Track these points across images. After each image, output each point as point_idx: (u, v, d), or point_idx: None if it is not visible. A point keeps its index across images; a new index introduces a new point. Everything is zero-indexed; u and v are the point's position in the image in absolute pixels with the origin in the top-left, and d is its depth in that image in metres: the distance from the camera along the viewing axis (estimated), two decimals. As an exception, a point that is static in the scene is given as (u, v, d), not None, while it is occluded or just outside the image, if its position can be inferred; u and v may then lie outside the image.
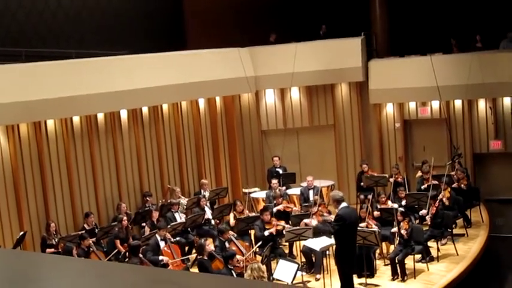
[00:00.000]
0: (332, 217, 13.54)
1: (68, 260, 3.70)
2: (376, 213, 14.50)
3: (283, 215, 15.22)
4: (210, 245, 12.90)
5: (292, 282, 11.19)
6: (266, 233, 13.84)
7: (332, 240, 12.40)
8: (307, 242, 12.91)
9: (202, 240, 12.71)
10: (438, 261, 13.91)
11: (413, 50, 19.22)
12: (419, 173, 17.02)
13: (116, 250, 13.45)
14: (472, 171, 18.02)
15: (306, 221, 13.98)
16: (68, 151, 15.13)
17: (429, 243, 14.14)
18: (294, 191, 17.18)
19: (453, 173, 16.49)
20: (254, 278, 9.61)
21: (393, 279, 13.05)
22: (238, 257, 12.39)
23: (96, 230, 14.46)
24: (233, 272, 11.72)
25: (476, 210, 16.60)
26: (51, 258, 3.64)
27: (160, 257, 13.02)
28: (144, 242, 13.44)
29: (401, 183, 16.50)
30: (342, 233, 10.83)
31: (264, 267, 9.92)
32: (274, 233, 13.83)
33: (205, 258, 12.20)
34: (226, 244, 13.16)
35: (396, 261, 13.03)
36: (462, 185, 16.03)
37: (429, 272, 13.37)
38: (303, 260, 13.66)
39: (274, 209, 15.25)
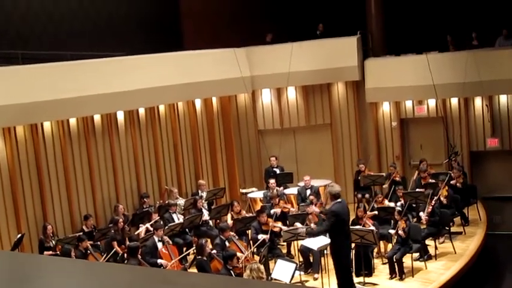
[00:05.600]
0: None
1: (66, 261, 3.71)
2: (370, 213, 14.41)
3: (281, 215, 15.23)
4: (208, 246, 12.87)
5: (290, 281, 11.20)
6: (259, 236, 13.81)
7: (329, 240, 12.43)
8: (304, 241, 12.92)
9: (203, 241, 12.68)
10: (436, 259, 13.92)
11: (409, 48, 19.22)
12: (416, 174, 17.02)
13: (114, 250, 13.41)
14: (469, 169, 18.03)
15: (314, 209, 14.08)
16: (65, 153, 15.11)
17: (427, 242, 14.15)
18: (292, 190, 17.19)
19: (451, 171, 16.52)
20: (253, 278, 9.61)
21: (391, 278, 13.05)
22: (238, 254, 12.37)
23: (95, 232, 14.46)
24: (232, 272, 11.70)
25: (474, 208, 16.63)
26: (49, 260, 3.64)
27: (159, 261, 13.01)
28: (142, 243, 13.43)
29: (399, 182, 16.52)
30: (336, 227, 11.44)
31: (262, 268, 9.92)
32: (267, 240, 13.72)
33: (204, 258, 12.19)
34: (226, 243, 13.15)
35: (394, 259, 13.03)
36: (458, 184, 16.05)
37: (427, 271, 13.37)
38: (301, 259, 13.67)
39: (271, 211, 15.23)
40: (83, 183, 15.55)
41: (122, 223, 14.23)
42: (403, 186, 16.03)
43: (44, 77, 14.40)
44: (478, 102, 18.11)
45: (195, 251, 14.23)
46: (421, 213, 14.57)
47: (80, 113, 15.09)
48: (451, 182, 15.85)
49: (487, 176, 18.28)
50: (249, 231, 14.57)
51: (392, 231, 13.63)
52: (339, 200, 11.54)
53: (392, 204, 14.90)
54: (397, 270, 13.03)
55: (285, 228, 13.99)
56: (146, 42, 18.81)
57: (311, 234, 12.35)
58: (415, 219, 15.03)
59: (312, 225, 13.67)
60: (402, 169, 18.41)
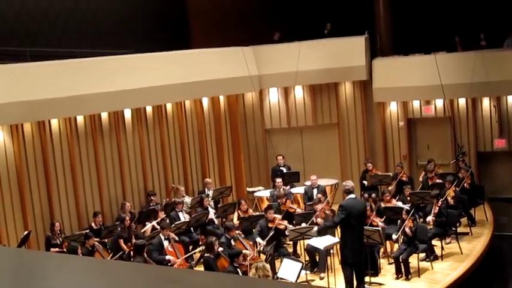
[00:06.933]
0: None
1: (72, 258, 3.71)
2: (379, 220, 14.30)
3: (287, 215, 15.21)
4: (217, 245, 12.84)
5: (296, 281, 11.20)
6: (259, 240, 13.67)
7: (336, 239, 12.42)
8: (311, 240, 12.90)
9: (213, 238, 12.65)
10: (442, 259, 13.89)
11: (417, 48, 19.20)
12: (423, 174, 16.99)
13: (122, 252, 13.42)
14: (476, 169, 17.96)
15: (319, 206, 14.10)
16: (72, 150, 15.14)
17: (433, 242, 14.11)
18: (298, 189, 17.17)
19: (459, 172, 16.48)
20: (259, 277, 9.60)
21: (397, 278, 13.03)
22: (245, 251, 12.37)
23: (102, 230, 14.47)
24: (238, 270, 11.71)
25: (481, 209, 16.58)
26: (55, 257, 3.66)
27: (167, 257, 13.00)
28: (148, 241, 13.43)
29: (406, 182, 16.48)
30: (346, 223, 11.35)
31: (268, 266, 9.91)
32: (271, 243, 13.66)
33: (212, 256, 12.19)
34: (232, 242, 13.13)
35: (400, 259, 13.01)
36: (465, 184, 15.99)
37: (433, 271, 13.35)
38: (307, 258, 13.65)
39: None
40: (89, 181, 15.57)
41: (128, 221, 14.24)
42: (410, 186, 15.97)
43: (51, 75, 14.42)
44: (486, 102, 18.07)
45: (201, 249, 14.25)
46: (428, 218, 14.47)
47: (87, 110, 15.10)
48: (458, 184, 15.76)
49: (494, 176, 18.24)
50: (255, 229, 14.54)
51: (394, 237, 13.58)
52: (353, 196, 11.57)
53: (400, 204, 14.85)
54: (403, 270, 13.01)
55: (290, 227, 13.97)
56: (154, 40, 18.83)
57: (321, 230, 12.33)
58: (421, 219, 14.98)
59: (319, 219, 13.66)
60: (409, 169, 18.38)
